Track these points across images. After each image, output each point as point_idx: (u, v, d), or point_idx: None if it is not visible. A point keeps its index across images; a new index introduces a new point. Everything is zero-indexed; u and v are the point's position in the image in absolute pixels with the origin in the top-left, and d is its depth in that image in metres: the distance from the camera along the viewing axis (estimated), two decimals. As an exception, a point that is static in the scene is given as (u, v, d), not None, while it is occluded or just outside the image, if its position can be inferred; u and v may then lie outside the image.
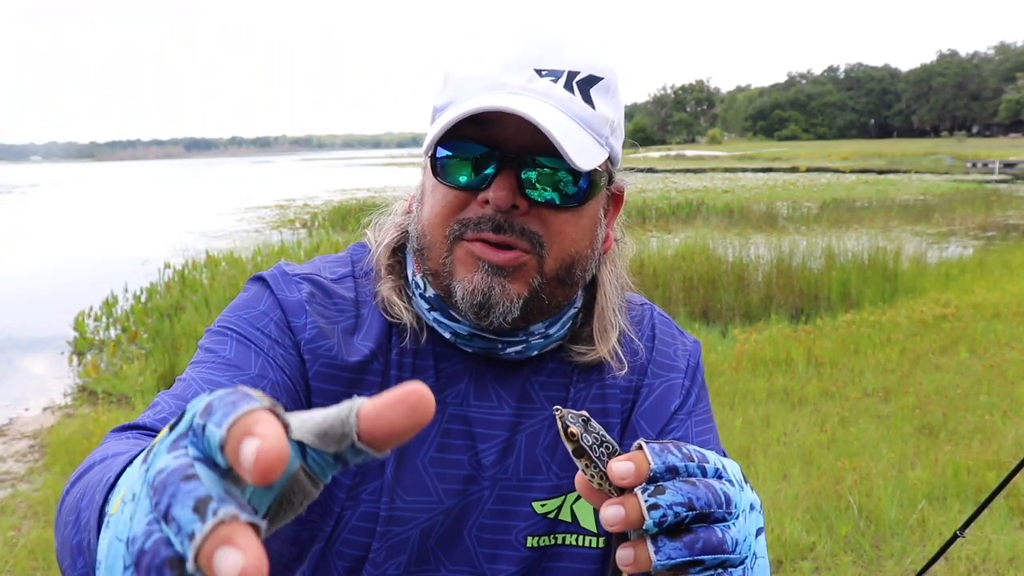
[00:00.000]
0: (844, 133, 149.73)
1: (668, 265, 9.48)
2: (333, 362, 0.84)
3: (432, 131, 0.78)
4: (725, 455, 0.94)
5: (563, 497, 0.89)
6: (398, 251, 0.91)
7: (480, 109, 0.74)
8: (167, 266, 11.47)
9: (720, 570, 0.59)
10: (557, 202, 0.80)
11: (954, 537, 2.03)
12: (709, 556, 0.57)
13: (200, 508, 0.33)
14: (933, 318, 7.41)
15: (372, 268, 0.91)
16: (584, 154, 0.76)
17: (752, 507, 0.63)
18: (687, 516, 0.57)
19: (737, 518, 0.60)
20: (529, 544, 0.88)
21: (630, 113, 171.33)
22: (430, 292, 0.86)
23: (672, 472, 0.58)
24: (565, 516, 0.89)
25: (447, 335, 0.87)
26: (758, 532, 0.63)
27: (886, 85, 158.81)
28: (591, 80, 0.80)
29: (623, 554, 0.58)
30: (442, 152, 0.80)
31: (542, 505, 0.88)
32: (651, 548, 0.56)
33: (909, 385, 5.45)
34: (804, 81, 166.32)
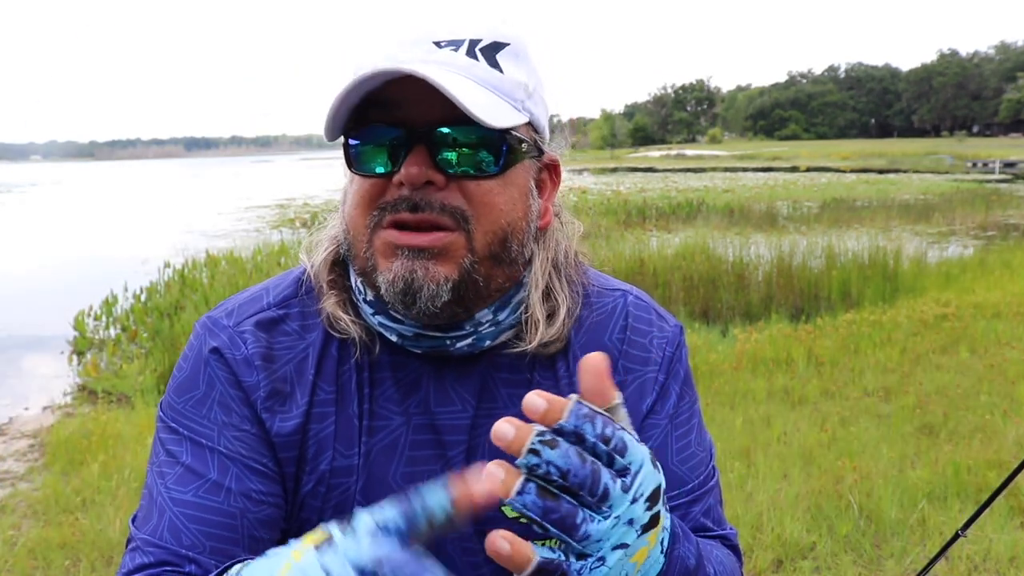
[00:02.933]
0: (844, 133, 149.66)
1: (668, 264, 9.47)
2: (288, 415, 0.82)
3: (327, 115, 0.74)
4: (711, 448, 0.92)
5: None
6: (338, 263, 0.87)
7: (366, 75, 0.71)
8: (167, 265, 11.46)
9: (558, 549, 0.59)
10: (475, 172, 0.75)
11: (955, 537, 2.02)
12: (555, 529, 0.57)
13: None
14: (933, 318, 7.41)
15: (314, 286, 0.87)
16: (494, 113, 0.73)
17: (631, 522, 0.59)
18: (557, 482, 0.56)
19: (606, 519, 0.57)
20: None
21: (630, 112, 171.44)
22: (370, 295, 0.83)
23: (577, 439, 0.57)
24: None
25: (394, 338, 0.83)
26: (620, 546, 0.59)
27: (886, 85, 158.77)
28: (495, 46, 0.77)
29: (494, 469, 0.57)
30: (353, 142, 0.77)
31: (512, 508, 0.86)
32: (516, 486, 0.56)
33: (909, 385, 5.44)
34: (804, 80, 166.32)
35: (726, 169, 46.06)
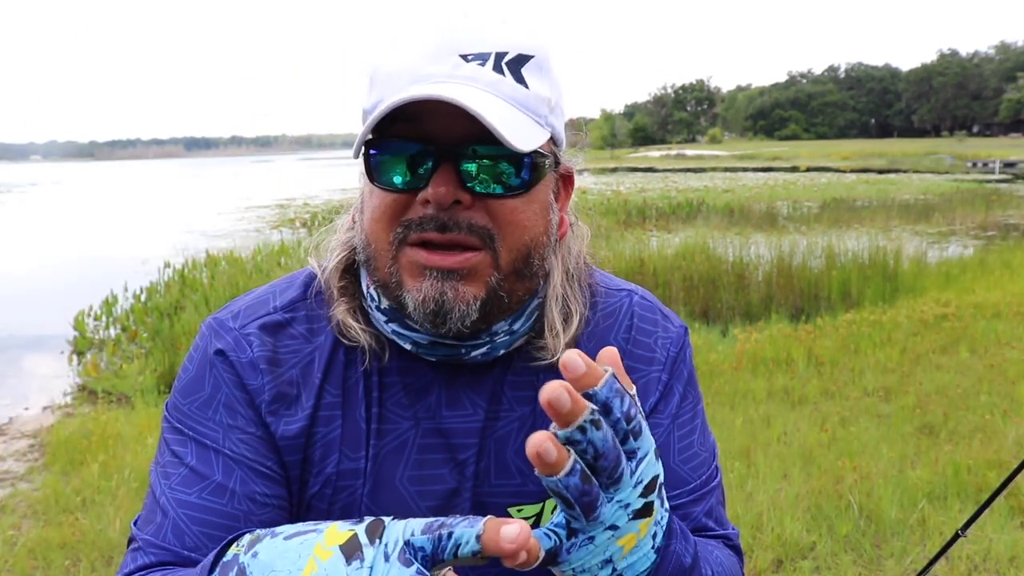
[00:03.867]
0: (844, 133, 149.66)
1: (668, 264, 9.47)
2: (293, 418, 0.82)
3: (360, 134, 0.74)
4: (713, 449, 0.92)
5: (542, 504, 0.86)
6: (349, 269, 0.86)
7: (402, 101, 0.70)
8: (167, 265, 11.47)
9: (550, 528, 0.61)
10: (502, 191, 0.75)
11: (955, 537, 2.02)
12: (580, 510, 0.58)
13: None
14: (933, 318, 7.41)
15: (324, 291, 0.87)
16: (522, 135, 0.72)
17: (626, 506, 0.61)
18: (588, 461, 0.57)
19: (610, 502, 0.59)
20: None
21: (630, 112, 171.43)
22: (384, 303, 0.82)
23: (606, 412, 0.57)
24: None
25: (408, 346, 0.83)
26: (611, 527, 0.61)
27: (887, 84, 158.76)
28: (521, 59, 0.76)
29: (549, 445, 0.55)
30: (375, 154, 0.76)
31: (518, 511, 0.86)
32: (567, 467, 0.56)
33: (909, 385, 5.44)
34: (804, 80, 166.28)
35: (726, 169, 46.06)
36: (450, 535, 0.55)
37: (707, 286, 9.02)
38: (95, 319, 9.01)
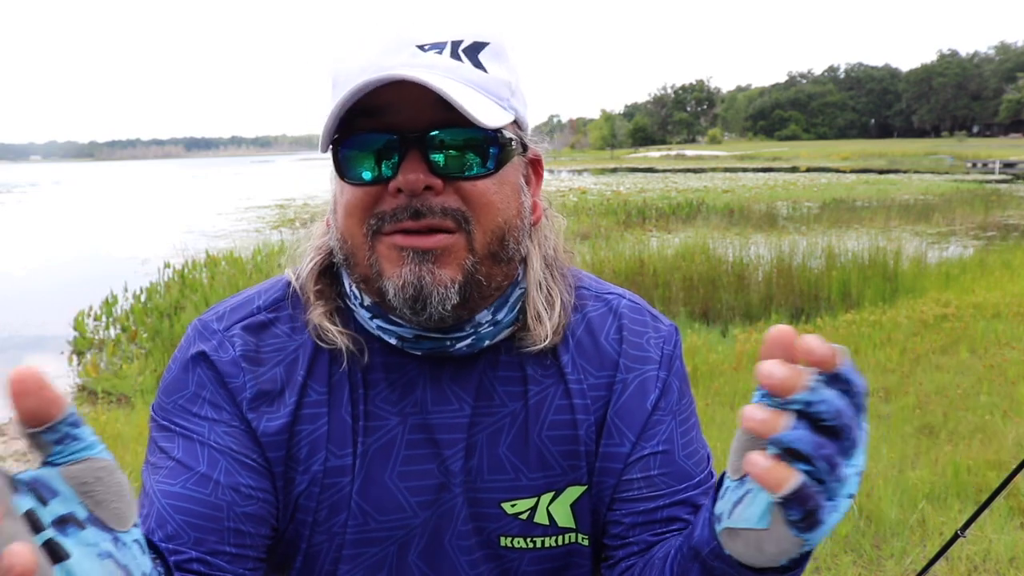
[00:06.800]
0: (844, 133, 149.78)
1: (668, 265, 9.47)
2: (276, 415, 0.83)
3: (323, 130, 0.75)
4: (708, 451, 0.93)
5: (536, 499, 0.86)
6: (325, 273, 0.87)
7: (359, 86, 0.70)
8: (167, 266, 11.48)
9: (819, 486, 0.56)
10: (471, 172, 0.76)
11: (955, 537, 2.02)
12: (823, 464, 0.55)
13: None
14: (933, 318, 7.41)
15: (300, 296, 0.88)
16: (485, 112, 0.73)
17: (859, 475, 0.59)
18: (826, 422, 0.55)
19: (847, 468, 0.58)
20: (503, 544, 0.86)
21: (630, 113, 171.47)
22: (368, 300, 0.83)
23: (845, 383, 0.57)
24: (541, 519, 0.86)
25: (393, 341, 0.84)
26: (850, 496, 0.59)
27: (886, 85, 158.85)
28: (477, 46, 0.77)
29: (756, 409, 0.56)
30: (343, 151, 0.77)
31: (512, 505, 0.86)
32: (790, 421, 0.55)
33: (909, 385, 5.44)
34: (804, 81, 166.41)
35: (726, 169, 46.10)
36: None
37: (707, 286, 9.03)
38: (95, 319, 9.01)
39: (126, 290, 10.02)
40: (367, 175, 0.76)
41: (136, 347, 7.77)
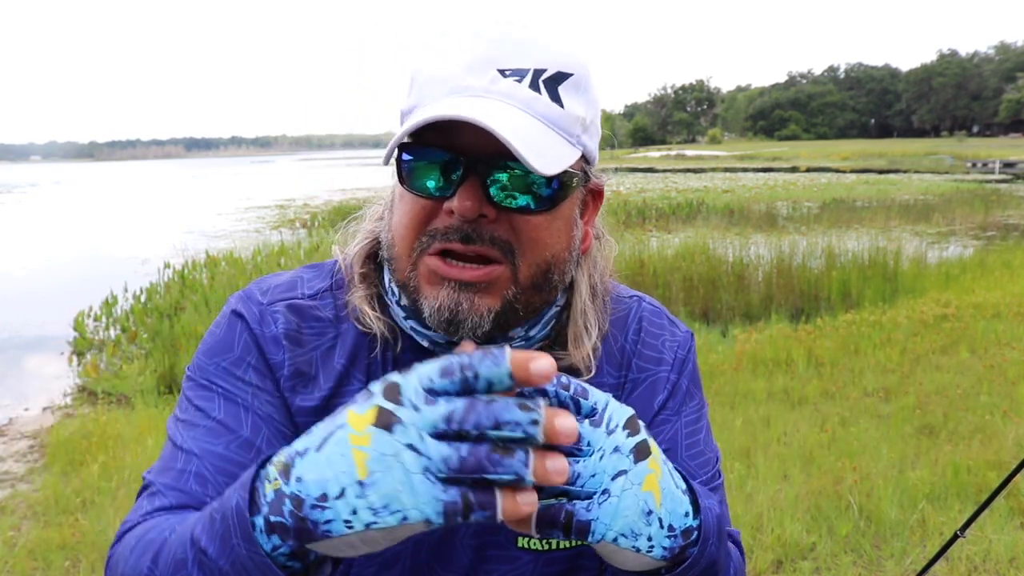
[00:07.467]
0: (844, 133, 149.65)
1: (668, 265, 9.48)
2: (310, 396, 0.85)
3: (393, 139, 0.76)
4: (717, 453, 0.94)
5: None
6: (372, 257, 0.89)
7: (435, 118, 0.71)
8: (167, 266, 11.48)
9: (563, 499, 0.61)
10: (526, 207, 0.76)
11: (955, 537, 2.03)
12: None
13: (524, 408, 0.53)
14: (933, 318, 7.41)
15: (345, 275, 0.90)
16: (548, 158, 0.73)
17: (616, 449, 0.62)
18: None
19: (589, 456, 0.62)
20: (520, 545, 0.87)
21: (630, 113, 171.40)
22: (404, 300, 0.84)
23: (541, 396, 0.60)
24: None
25: (425, 343, 0.86)
26: (619, 474, 0.61)
27: (886, 85, 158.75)
28: (559, 77, 0.77)
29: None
30: (408, 159, 0.78)
31: None
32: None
33: (909, 385, 5.44)
34: (804, 81, 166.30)
35: (726, 169, 46.10)
36: (476, 376, 0.54)
37: (707, 287, 9.03)
38: (95, 320, 9.01)
39: (126, 290, 10.02)
40: (426, 189, 0.77)
41: (136, 347, 7.77)
